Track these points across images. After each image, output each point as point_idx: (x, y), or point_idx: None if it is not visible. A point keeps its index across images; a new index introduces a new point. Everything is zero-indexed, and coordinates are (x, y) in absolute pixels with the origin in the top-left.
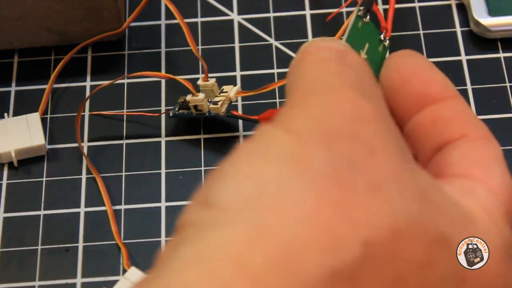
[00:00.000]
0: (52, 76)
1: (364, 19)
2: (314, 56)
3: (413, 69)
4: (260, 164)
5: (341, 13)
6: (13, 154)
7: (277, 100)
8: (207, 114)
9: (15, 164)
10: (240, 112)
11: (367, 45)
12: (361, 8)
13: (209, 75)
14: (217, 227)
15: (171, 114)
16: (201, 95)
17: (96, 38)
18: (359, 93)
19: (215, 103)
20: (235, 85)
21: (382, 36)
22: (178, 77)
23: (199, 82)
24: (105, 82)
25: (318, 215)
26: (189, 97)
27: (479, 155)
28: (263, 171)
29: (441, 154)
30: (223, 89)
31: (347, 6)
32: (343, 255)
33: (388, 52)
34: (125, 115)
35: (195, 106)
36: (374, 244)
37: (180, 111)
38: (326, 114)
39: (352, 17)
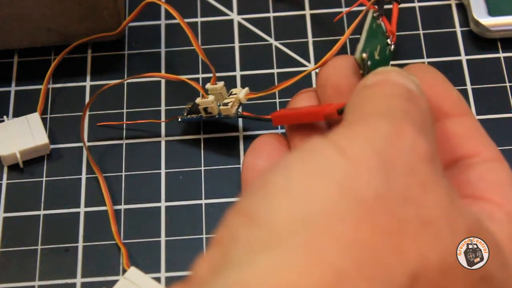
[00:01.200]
0: (47, 76)
1: (377, 21)
2: (386, 88)
3: (430, 82)
4: (313, 185)
5: (340, 13)
6: (18, 156)
7: (277, 100)
8: (217, 116)
9: (21, 165)
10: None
11: (378, 47)
12: (376, 12)
13: (208, 75)
14: (269, 250)
15: (179, 120)
16: (211, 97)
17: (93, 37)
18: (419, 131)
19: (226, 104)
20: (236, 85)
21: (389, 40)
22: (191, 81)
23: (208, 85)
24: (113, 82)
25: (370, 244)
26: (198, 100)
27: (496, 179)
28: (316, 192)
29: (456, 170)
30: (232, 91)
31: (347, 7)
32: (391, 286)
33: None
34: (125, 113)
35: (205, 109)
36: (422, 277)
37: (189, 116)
38: (386, 143)
39: (368, 17)
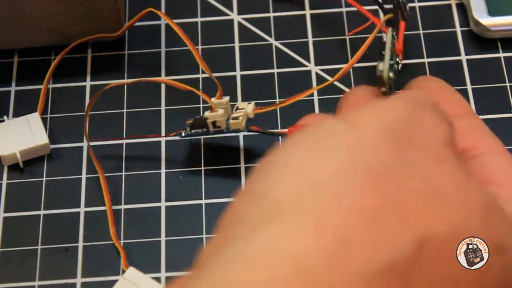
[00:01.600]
0: (47, 76)
1: (394, 41)
2: (412, 91)
3: (435, 87)
4: (317, 157)
5: (341, 13)
6: (18, 156)
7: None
8: (225, 130)
9: (21, 165)
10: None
11: (394, 65)
12: (392, 30)
13: (209, 75)
14: (273, 223)
15: (183, 134)
16: (220, 111)
17: (93, 37)
18: (442, 117)
19: (236, 118)
20: (237, 85)
21: (398, 59)
22: (201, 93)
23: (213, 99)
24: (115, 82)
25: (374, 213)
26: (207, 113)
27: (497, 164)
28: (320, 164)
29: None
30: (237, 106)
31: (347, 7)
32: (396, 252)
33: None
34: (125, 113)
35: (214, 123)
36: (429, 244)
37: (193, 130)
38: (403, 120)
39: (389, 37)
